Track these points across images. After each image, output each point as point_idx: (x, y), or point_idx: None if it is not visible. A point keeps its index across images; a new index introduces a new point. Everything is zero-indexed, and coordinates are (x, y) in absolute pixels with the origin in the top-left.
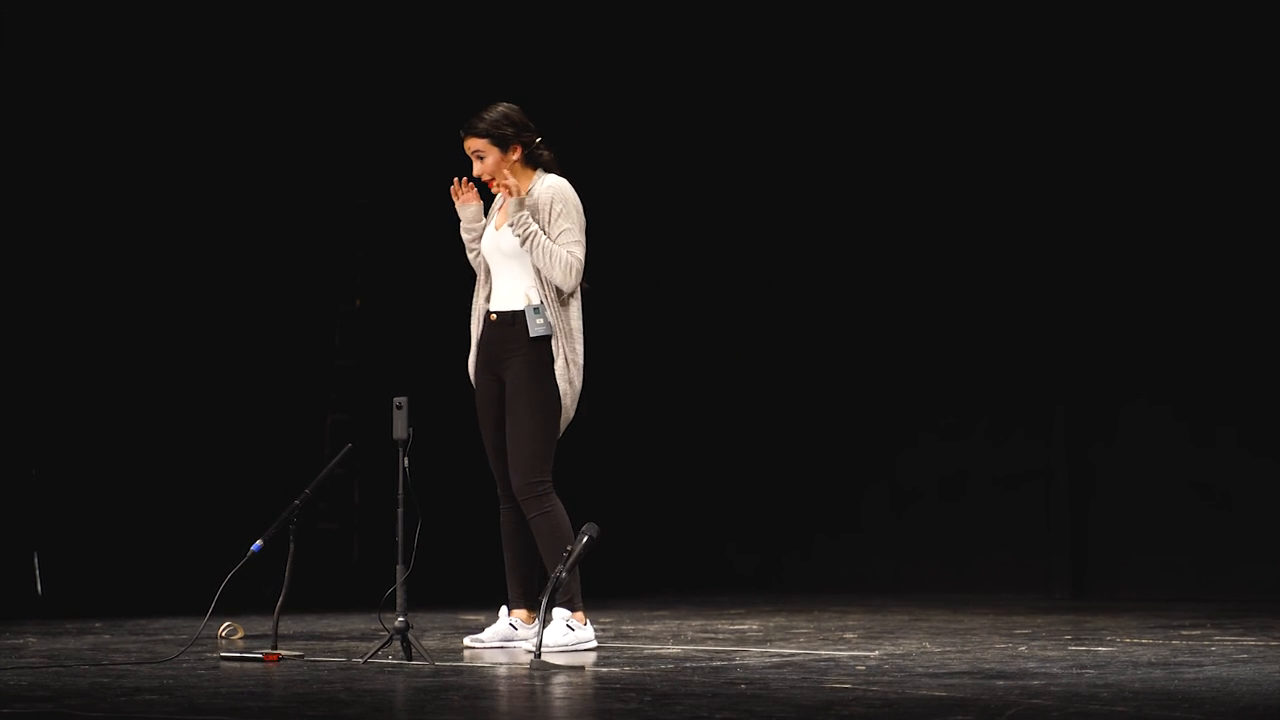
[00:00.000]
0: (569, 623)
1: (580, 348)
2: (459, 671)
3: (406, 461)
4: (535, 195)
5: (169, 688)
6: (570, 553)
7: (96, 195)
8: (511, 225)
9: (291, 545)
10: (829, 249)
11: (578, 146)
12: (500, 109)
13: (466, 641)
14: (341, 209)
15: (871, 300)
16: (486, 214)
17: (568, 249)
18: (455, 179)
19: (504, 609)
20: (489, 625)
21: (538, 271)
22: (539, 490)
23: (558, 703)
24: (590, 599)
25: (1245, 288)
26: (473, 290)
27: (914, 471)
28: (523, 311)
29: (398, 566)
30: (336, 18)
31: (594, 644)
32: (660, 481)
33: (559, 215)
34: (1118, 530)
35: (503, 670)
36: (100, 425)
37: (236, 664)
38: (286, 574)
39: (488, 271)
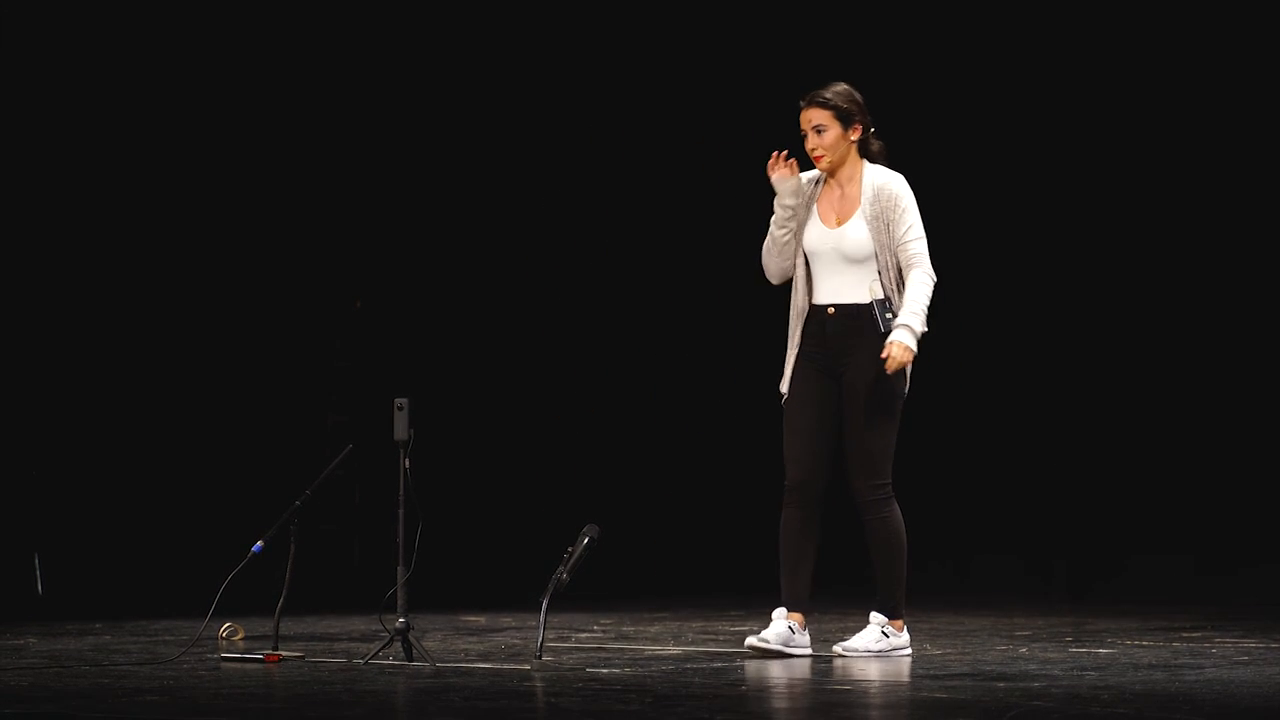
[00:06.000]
0: (884, 629)
1: None
2: (460, 673)
3: (407, 463)
4: (877, 187)
5: (170, 689)
6: (571, 554)
7: (97, 197)
8: (897, 346)
9: (292, 546)
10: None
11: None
12: (843, 86)
13: (751, 642)
14: (341, 210)
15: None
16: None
17: (921, 266)
18: (775, 152)
19: (780, 610)
20: (764, 628)
21: (877, 262)
22: (884, 493)
23: (558, 704)
24: (592, 600)
25: (1242, 296)
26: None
27: (913, 472)
28: (869, 305)
29: (398, 568)
30: (335, 18)
31: (908, 651)
32: (662, 483)
33: (905, 210)
34: (1117, 536)
35: (503, 672)
36: (101, 426)
37: (237, 665)
38: (287, 575)
39: (806, 266)
